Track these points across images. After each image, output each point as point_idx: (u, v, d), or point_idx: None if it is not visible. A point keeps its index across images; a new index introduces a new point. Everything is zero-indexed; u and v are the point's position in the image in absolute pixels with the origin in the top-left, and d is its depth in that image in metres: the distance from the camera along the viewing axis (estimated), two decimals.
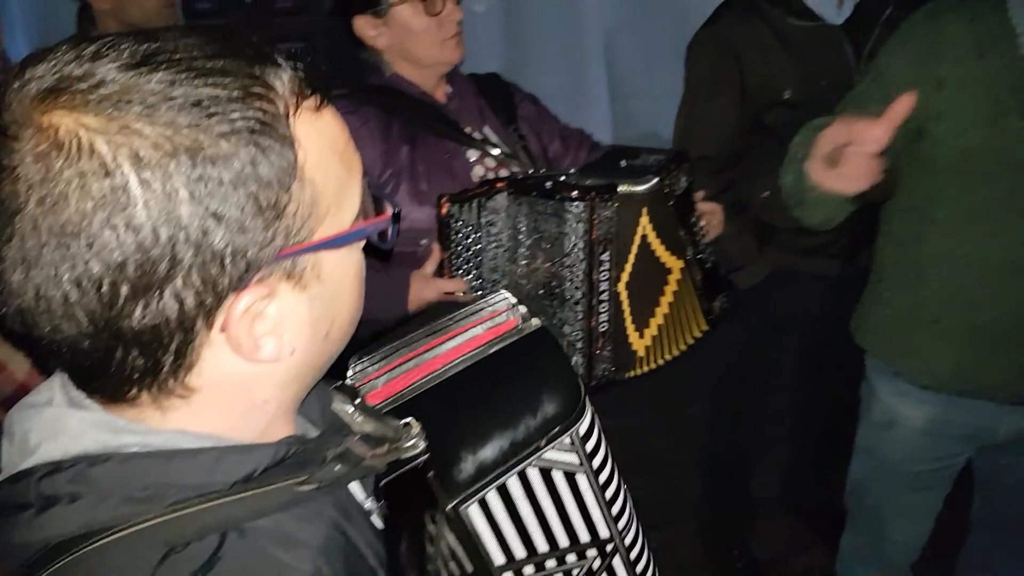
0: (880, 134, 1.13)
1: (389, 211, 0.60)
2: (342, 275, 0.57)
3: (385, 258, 1.33)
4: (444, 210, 1.44)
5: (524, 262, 1.44)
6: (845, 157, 1.16)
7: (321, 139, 0.53)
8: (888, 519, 1.61)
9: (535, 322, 0.74)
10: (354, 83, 1.60)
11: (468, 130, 1.61)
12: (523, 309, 0.76)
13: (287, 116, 0.51)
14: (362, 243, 0.59)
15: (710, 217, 1.56)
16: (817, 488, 2.21)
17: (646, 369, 1.48)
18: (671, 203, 1.43)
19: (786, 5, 1.80)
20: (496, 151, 1.59)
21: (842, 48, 1.80)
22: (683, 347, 1.51)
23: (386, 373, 0.74)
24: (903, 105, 1.13)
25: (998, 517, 1.60)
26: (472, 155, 1.58)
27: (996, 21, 1.31)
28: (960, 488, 1.62)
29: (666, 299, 1.48)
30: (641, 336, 1.47)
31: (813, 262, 1.88)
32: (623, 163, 1.48)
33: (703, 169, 1.81)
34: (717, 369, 2.13)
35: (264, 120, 0.49)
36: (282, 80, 0.51)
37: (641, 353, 1.46)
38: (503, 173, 1.57)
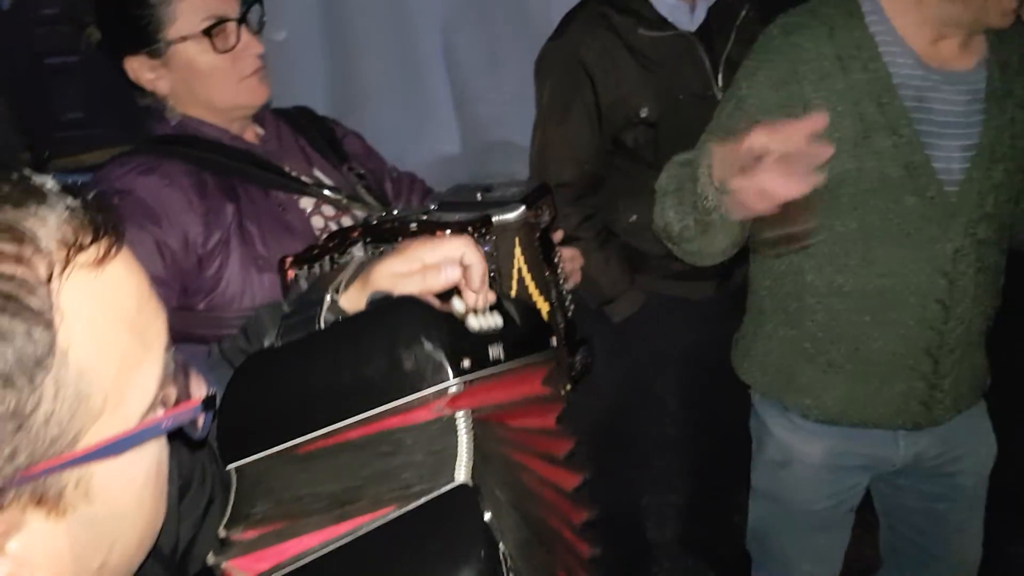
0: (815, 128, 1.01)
1: (200, 392, 0.48)
2: (123, 487, 0.45)
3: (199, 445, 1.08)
4: (291, 275, 1.18)
5: None
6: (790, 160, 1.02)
7: (101, 306, 0.42)
8: (795, 562, 1.55)
9: (459, 475, 0.61)
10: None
11: (295, 175, 1.34)
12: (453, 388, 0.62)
13: (49, 279, 0.40)
14: (160, 439, 0.48)
15: (570, 264, 1.44)
16: (718, 526, 2.16)
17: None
18: (538, 236, 1.31)
19: (636, 15, 1.70)
20: (334, 195, 1.34)
21: (698, 57, 1.72)
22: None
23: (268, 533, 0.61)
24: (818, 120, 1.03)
25: (904, 541, 1.57)
26: (307, 204, 1.32)
27: (855, 33, 1.28)
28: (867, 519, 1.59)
29: None
30: None
31: (687, 287, 1.80)
32: (479, 196, 1.33)
33: (564, 197, 1.70)
34: (599, 407, 1.99)
35: (8, 291, 0.38)
36: (47, 226, 0.40)
37: None
38: (347, 221, 1.33)
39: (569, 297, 1.39)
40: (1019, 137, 1.33)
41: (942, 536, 1.51)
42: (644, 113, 1.68)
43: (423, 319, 0.65)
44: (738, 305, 1.56)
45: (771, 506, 1.54)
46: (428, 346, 0.62)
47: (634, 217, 1.77)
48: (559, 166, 1.74)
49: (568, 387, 1.35)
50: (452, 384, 0.62)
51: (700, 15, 1.73)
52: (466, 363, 0.63)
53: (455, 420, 0.62)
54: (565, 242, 1.68)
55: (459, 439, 0.62)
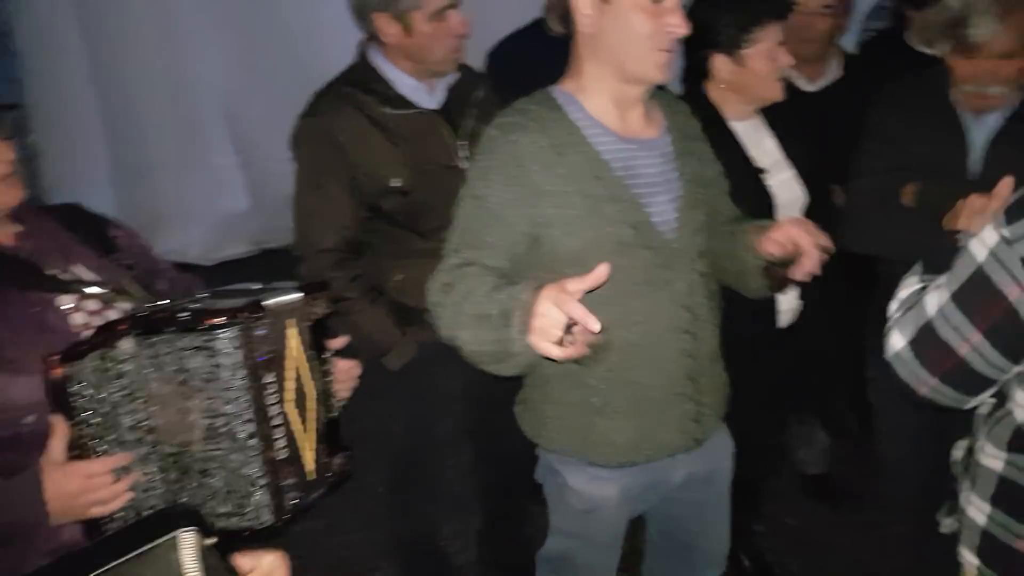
0: (579, 289, 1.17)
1: None
2: None
3: None
4: (56, 374, 1.16)
5: (174, 411, 1.24)
6: (575, 333, 1.17)
7: None
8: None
9: None
10: None
11: (54, 273, 1.33)
12: None
13: None
14: None
15: (344, 374, 1.49)
16: (513, 541, 2.29)
17: (325, 487, 1.38)
18: (312, 325, 1.36)
19: (378, 95, 1.83)
20: (95, 290, 1.34)
21: (440, 132, 1.88)
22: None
23: None
24: (599, 273, 1.19)
25: (672, 541, 1.76)
26: (67, 301, 1.31)
27: (562, 124, 1.43)
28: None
29: (311, 425, 1.38)
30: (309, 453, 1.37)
31: None
32: (253, 287, 1.37)
33: (329, 261, 1.82)
34: (394, 451, 2.11)
35: None
36: None
37: (312, 469, 1.36)
38: (113, 314, 1.33)
39: (336, 404, 1.43)
40: (705, 185, 1.57)
41: (704, 531, 1.72)
42: (395, 182, 1.81)
43: None
44: None
45: (572, 542, 1.65)
46: None
47: (400, 276, 1.89)
48: (321, 233, 1.83)
49: (322, 492, 1.37)
50: None
51: (440, 95, 1.90)
52: None
53: None
54: (336, 302, 1.70)
55: None
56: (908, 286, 1.30)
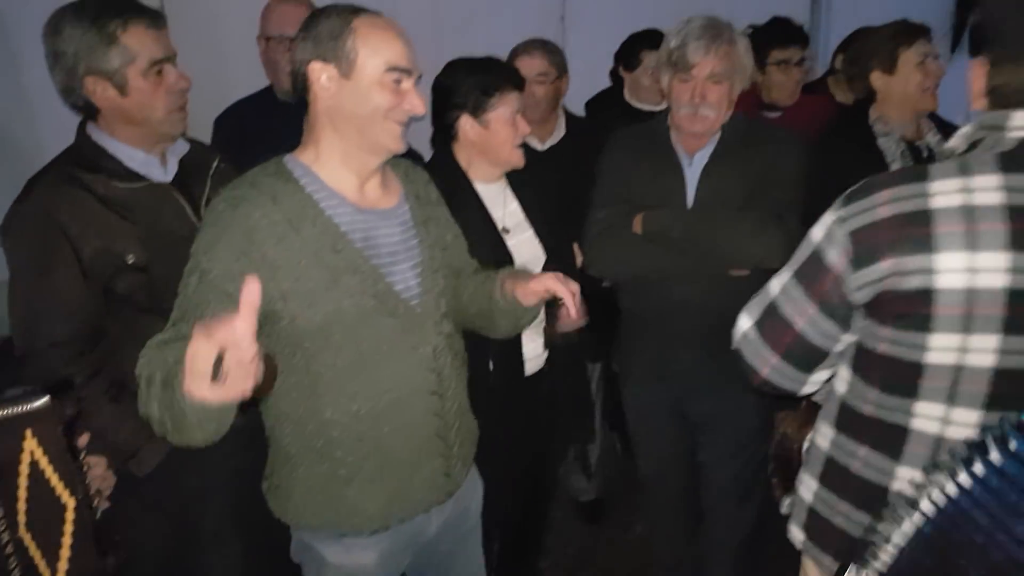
0: (246, 328, 1.02)
1: None
2: None
3: None
4: None
5: None
6: (227, 366, 1.02)
7: None
8: None
9: None
10: None
11: None
12: None
13: None
14: None
15: (100, 479, 1.42)
16: None
17: None
18: (61, 427, 1.27)
19: (105, 171, 1.71)
20: None
21: (178, 203, 1.79)
22: None
23: None
24: (252, 290, 1.04)
25: None
26: None
27: (296, 196, 1.41)
28: None
29: (67, 540, 1.27)
30: (55, 573, 1.27)
31: None
32: None
33: (63, 357, 1.65)
34: (151, 552, 1.91)
35: None
36: None
37: None
38: None
39: (96, 502, 1.37)
40: (444, 249, 1.63)
41: (462, 567, 1.78)
42: (131, 259, 1.68)
43: None
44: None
45: None
46: None
47: None
48: (51, 326, 1.65)
49: None
50: None
51: (173, 167, 1.81)
52: None
53: None
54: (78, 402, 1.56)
55: None
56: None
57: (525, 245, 2.12)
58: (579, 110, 3.28)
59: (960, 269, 1.13)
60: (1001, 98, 1.20)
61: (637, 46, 3.29)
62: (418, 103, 1.45)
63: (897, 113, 2.34)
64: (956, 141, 1.26)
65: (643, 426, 2.33)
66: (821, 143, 2.35)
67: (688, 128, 2.05)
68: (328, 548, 1.55)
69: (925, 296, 1.15)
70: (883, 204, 1.19)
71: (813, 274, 1.27)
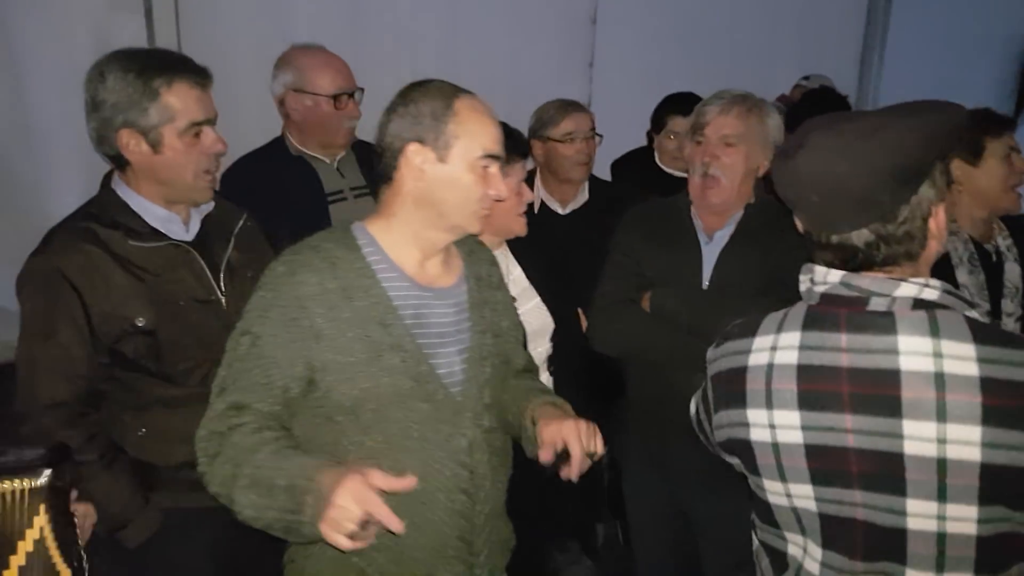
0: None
1: None
2: None
3: None
4: None
5: None
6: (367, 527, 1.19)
7: None
8: None
9: None
10: None
11: None
12: None
13: None
14: None
15: (83, 519, 1.40)
16: None
17: None
18: (65, 498, 1.28)
19: (124, 228, 1.69)
20: None
21: (197, 264, 1.75)
22: None
23: None
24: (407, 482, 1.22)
25: None
26: None
27: (356, 265, 1.41)
28: None
29: None
30: None
31: (209, 496, 1.74)
32: None
33: (61, 417, 1.62)
34: None
35: None
36: None
37: None
38: None
39: (85, 556, 1.33)
40: (498, 336, 1.56)
41: None
42: (140, 322, 1.65)
43: None
44: None
45: None
46: None
47: (143, 431, 1.71)
48: (51, 386, 1.62)
49: None
50: None
51: (195, 226, 1.77)
52: None
53: None
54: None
55: None
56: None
57: (532, 314, 2.07)
58: (603, 169, 3.22)
59: (764, 424, 1.21)
60: (807, 249, 1.26)
61: (664, 109, 3.26)
62: (503, 187, 1.45)
63: (973, 209, 2.16)
64: (801, 285, 1.28)
65: (643, 520, 2.25)
66: None
67: (699, 196, 2.00)
68: None
69: (747, 446, 1.25)
70: (723, 356, 1.30)
71: (705, 403, 1.37)
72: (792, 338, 1.20)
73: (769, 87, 3.87)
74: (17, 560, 1.19)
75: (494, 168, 1.44)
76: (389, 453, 1.39)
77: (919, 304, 1.15)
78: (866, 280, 1.17)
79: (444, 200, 1.42)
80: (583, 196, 2.76)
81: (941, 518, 1.12)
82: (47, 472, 1.22)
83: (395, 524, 1.18)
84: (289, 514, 1.24)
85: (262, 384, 1.35)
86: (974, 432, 1.07)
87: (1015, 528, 1.12)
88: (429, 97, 1.41)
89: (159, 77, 1.63)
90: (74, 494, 1.36)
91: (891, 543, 1.16)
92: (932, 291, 1.16)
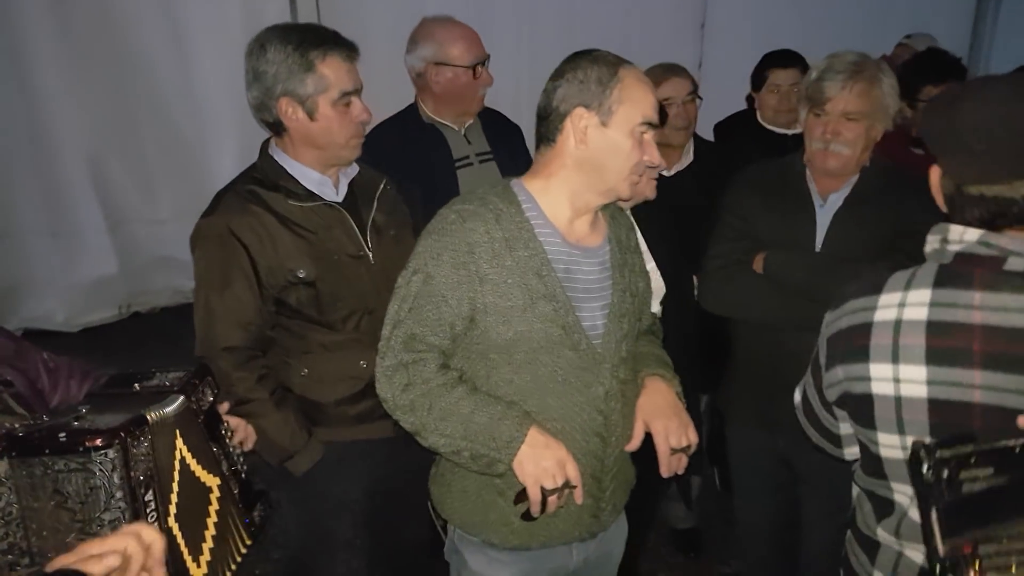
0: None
1: None
2: None
3: None
4: None
5: (47, 535, 1.19)
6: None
7: None
8: None
9: None
10: None
11: None
12: None
13: None
14: None
15: (241, 432, 1.53)
16: None
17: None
18: (201, 420, 1.38)
19: (285, 190, 1.85)
20: None
21: (347, 223, 1.90)
22: (234, 565, 1.44)
23: None
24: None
25: None
26: None
27: (516, 219, 1.51)
28: None
29: (212, 520, 1.39)
30: (198, 565, 1.36)
31: (366, 429, 1.93)
32: (137, 386, 1.36)
33: (234, 360, 1.81)
34: (288, 554, 2.06)
35: None
36: None
37: None
38: None
39: (241, 460, 1.48)
40: (635, 295, 1.65)
41: None
42: (302, 273, 1.81)
43: None
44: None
45: None
46: None
47: (305, 371, 1.90)
48: (226, 331, 1.80)
49: (248, 542, 1.43)
50: None
51: (344, 188, 1.94)
52: None
53: None
54: (241, 404, 1.74)
55: None
56: None
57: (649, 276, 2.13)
58: (707, 133, 3.24)
59: (888, 379, 1.25)
60: (948, 206, 1.25)
61: (765, 64, 3.22)
62: (657, 154, 1.53)
63: None
64: (928, 246, 1.28)
65: (745, 470, 2.32)
66: None
67: (820, 164, 2.01)
68: (472, 555, 1.64)
69: (865, 400, 1.29)
70: (845, 315, 1.33)
71: (815, 370, 1.42)
72: (922, 295, 1.23)
73: (879, 44, 3.77)
74: (175, 483, 1.28)
75: (650, 135, 1.51)
76: (535, 393, 1.51)
77: None
78: (1005, 239, 1.18)
79: (603, 163, 1.50)
80: (688, 157, 2.76)
81: None
82: (179, 399, 1.31)
83: (579, 496, 1.40)
84: (487, 448, 1.45)
85: (433, 319, 1.50)
86: None
87: None
88: (596, 65, 1.49)
89: (315, 50, 1.77)
90: (223, 407, 1.48)
91: None
92: None
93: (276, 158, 1.89)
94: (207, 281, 1.82)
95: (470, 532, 1.63)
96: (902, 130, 2.86)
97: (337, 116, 1.82)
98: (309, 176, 1.88)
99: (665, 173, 2.72)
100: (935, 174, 1.26)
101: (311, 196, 1.87)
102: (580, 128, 1.49)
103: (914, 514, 1.30)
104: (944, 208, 1.26)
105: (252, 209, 1.81)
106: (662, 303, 2.21)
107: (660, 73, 2.71)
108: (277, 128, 1.86)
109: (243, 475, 1.48)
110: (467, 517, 1.62)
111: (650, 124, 1.50)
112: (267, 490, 1.50)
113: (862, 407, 1.31)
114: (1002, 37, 4.61)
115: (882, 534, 1.38)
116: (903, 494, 1.33)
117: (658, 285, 2.16)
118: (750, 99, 3.38)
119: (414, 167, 2.36)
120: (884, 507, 1.37)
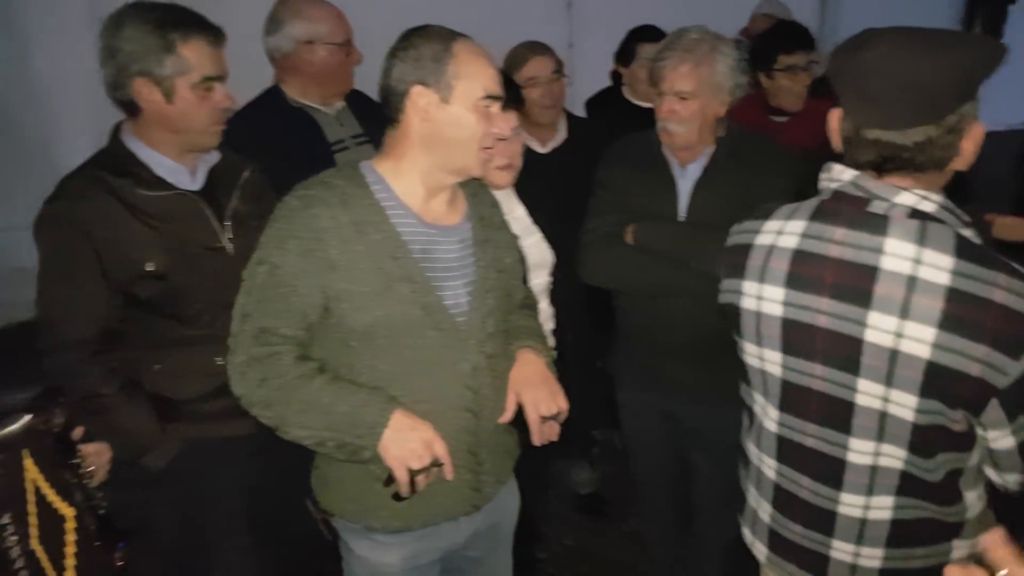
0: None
1: None
2: None
3: None
4: None
5: None
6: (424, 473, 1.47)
7: None
8: None
9: None
10: None
11: None
12: None
13: None
14: None
15: (95, 458, 1.45)
16: None
17: None
18: (51, 441, 1.32)
19: (134, 177, 1.75)
20: None
21: (203, 213, 1.83)
22: None
23: None
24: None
25: None
26: None
27: (365, 201, 1.48)
28: None
29: (71, 550, 1.33)
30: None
31: (227, 426, 1.84)
32: None
33: (81, 354, 1.72)
34: (163, 560, 1.98)
35: None
36: None
37: None
38: None
39: (99, 495, 1.40)
40: (502, 271, 1.65)
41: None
42: (150, 267, 1.73)
43: None
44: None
45: None
46: None
47: (158, 367, 1.81)
48: (71, 324, 1.71)
49: None
50: None
51: (202, 177, 1.85)
52: None
53: None
54: (89, 399, 1.66)
55: None
56: None
57: (533, 249, 2.17)
58: (579, 110, 3.30)
59: (754, 295, 1.39)
60: (844, 146, 1.32)
61: (633, 39, 3.30)
62: (505, 126, 1.52)
63: None
64: (820, 182, 1.38)
65: (634, 429, 2.41)
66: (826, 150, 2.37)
67: (665, 142, 2.09)
68: (357, 542, 1.63)
69: (737, 311, 1.44)
70: (738, 233, 1.47)
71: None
72: (797, 226, 1.36)
73: (738, 19, 3.93)
74: (31, 504, 1.25)
75: (495, 107, 1.50)
76: (400, 376, 1.50)
77: (916, 214, 1.25)
78: (872, 183, 1.28)
79: (450, 140, 1.49)
80: (561, 134, 2.80)
81: (885, 400, 1.27)
82: (25, 418, 1.26)
83: (448, 471, 1.41)
84: (351, 437, 1.43)
85: (283, 310, 1.45)
86: (928, 332, 1.20)
87: (946, 423, 1.26)
88: (429, 41, 1.47)
89: (176, 31, 1.70)
90: (77, 431, 1.41)
91: (840, 414, 1.33)
92: (930, 204, 1.25)
93: (126, 142, 1.79)
94: (51, 271, 1.72)
95: (352, 520, 1.62)
96: (761, 97, 3.03)
97: (197, 100, 1.75)
98: (161, 163, 1.79)
99: (540, 150, 2.78)
100: (835, 116, 1.32)
101: (162, 184, 1.78)
102: (421, 106, 1.47)
103: (768, 424, 1.44)
104: (839, 148, 1.33)
105: (97, 196, 1.71)
106: (552, 274, 2.25)
107: (523, 52, 2.74)
108: (131, 108, 1.77)
109: (102, 510, 1.41)
110: (347, 505, 1.61)
111: (493, 97, 1.49)
112: (131, 530, 1.42)
113: (735, 317, 1.45)
114: (847, 17, 4.90)
115: (751, 447, 1.53)
116: (758, 404, 1.47)
117: (544, 256, 2.19)
118: (616, 75, 3.47)
119: (288, 153, 2.26)
120: (750, 417, 1.52)
